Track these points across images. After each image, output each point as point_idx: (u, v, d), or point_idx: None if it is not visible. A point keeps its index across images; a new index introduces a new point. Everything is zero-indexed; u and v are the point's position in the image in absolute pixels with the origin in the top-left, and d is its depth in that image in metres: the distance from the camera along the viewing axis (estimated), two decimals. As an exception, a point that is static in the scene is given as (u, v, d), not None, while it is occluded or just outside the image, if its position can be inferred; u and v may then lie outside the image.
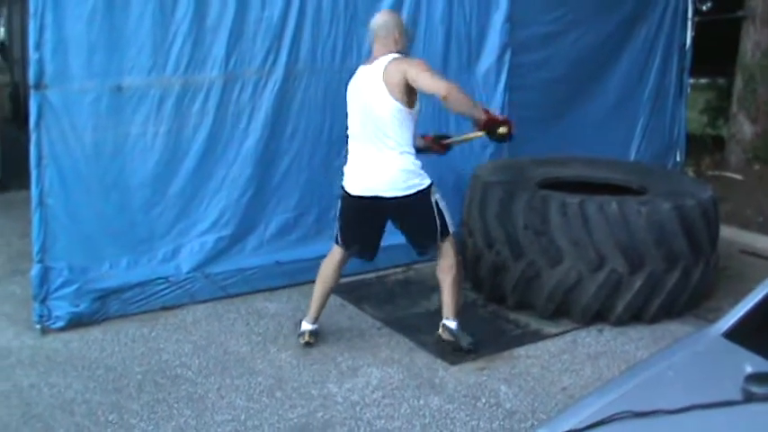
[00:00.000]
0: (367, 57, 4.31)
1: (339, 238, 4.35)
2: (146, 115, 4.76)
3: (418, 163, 4.15)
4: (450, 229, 4.27)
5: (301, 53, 5.23)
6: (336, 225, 4.38)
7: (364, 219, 4.28)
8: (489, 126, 4.14)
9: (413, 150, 4.15)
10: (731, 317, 2.59)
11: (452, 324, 4.34)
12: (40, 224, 4.51)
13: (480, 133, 4.26)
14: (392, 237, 4.45)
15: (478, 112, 4.12)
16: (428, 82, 3.94)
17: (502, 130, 4.14)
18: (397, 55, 4.08)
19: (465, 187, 5.38)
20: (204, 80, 4.91)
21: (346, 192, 4.26)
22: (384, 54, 4.11)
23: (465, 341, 4.35)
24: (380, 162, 4.12)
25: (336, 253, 4.38)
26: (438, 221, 4.19)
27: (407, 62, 4.05)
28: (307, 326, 4.42)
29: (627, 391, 2.29)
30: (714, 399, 2.06)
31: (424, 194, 4.15)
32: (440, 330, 4.38)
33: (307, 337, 4.40)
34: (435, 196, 4.19)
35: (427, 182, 4.17)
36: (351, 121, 4.26)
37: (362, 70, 4.22)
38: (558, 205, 4.67)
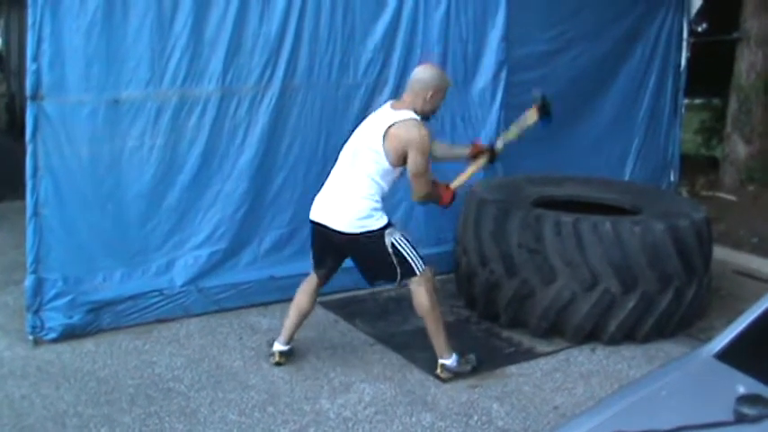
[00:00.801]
0: (393, 97, 4.09)
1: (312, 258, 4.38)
2: (142, 128, 4.77)
3: (377, 206, 4.07)
4: (417, 270, 4.10)
5: (298, 69, 5.24)
6: None
7: (319, 242, 4.26)
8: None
9: (378, 198, 4.07)
10: (723, 338, 2.59)
11: (449, 361, 4.26)
12: (34, 235, 4.51)
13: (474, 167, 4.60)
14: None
15: (435, 194, 4.24)
16: (415, 170, 4.01)
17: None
18: (415, 117, 4.01)
19: (460, 205, 5.37)
20: (201, 94, 4.92)
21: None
22: (408, 108, 4.05)
23: (468, 367, 4.33)
24: (340, 196, 4.11)
25: (311, 277, 4.36)
26: (396, 263, 4.07)
27: (415, 142, 3.95)
28: (279, 346, 4.37)
29: (619, 411, 2.30)
30: (706, 420, 2.06)
31: (371, 235, 4.04)
32: (438, 371, 4.26)
33: (277, 357, 4.36)
34: (392, 238, 4.06)
35: (379, 224, 4.06)
36: (344, 148, 4.24)
37: (385, 110, 4.14)
38: (552, 224, 4.68)
